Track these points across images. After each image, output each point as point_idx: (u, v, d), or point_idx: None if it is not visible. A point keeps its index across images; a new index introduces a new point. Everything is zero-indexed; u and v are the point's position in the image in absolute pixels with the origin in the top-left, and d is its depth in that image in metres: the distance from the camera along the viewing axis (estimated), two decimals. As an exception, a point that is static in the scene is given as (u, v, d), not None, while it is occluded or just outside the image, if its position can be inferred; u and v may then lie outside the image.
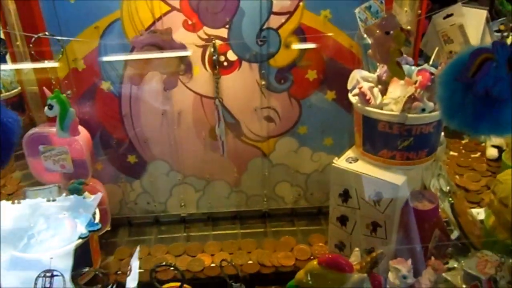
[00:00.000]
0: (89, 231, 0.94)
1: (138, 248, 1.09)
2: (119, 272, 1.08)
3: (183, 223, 1.26)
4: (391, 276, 0.91)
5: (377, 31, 0.85)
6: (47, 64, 1.02)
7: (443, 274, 0.87)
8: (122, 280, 1.04)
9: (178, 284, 0.73)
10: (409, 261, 0.90)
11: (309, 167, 1.22)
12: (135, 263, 0.88)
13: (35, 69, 1.06)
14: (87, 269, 0.75)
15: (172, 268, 1.00)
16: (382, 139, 0.93)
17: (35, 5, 1.00)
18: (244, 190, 1.24)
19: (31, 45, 1.00)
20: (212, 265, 1.10)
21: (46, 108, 0.94)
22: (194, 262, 1.10)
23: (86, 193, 1.00)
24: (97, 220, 0.98)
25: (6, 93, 1.42)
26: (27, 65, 1.13)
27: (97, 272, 0.64)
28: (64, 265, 0.86)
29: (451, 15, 1.10)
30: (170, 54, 0.93)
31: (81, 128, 1.06)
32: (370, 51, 0.91)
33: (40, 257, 0.85)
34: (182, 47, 0.93)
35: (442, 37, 1.16)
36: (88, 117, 1.11)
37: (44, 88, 0.97)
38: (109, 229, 1.17)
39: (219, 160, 1.18)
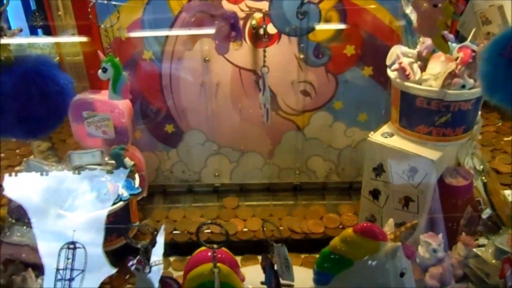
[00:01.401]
0: (130, 195, 0.99)
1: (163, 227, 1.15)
2: (155, 232, 1.13)
3: (216, 193, 1.30)
4: (421, 249, 0.93)
5: (425, 4, 0.84)
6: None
7: (474, 249, 0.88)
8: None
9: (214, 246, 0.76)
10: (440, 236, 0.92)
11: (342, 142, 1.23)
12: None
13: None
14: (136, 223, 0.79)
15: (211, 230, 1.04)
16: (419, 114, 0.93)
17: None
18: (277, 162, 1.26)
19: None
20: (245, 229, 1.15)
21: (100, 71, 0.97)
22: (227, 226, 1.15)
23: (127, 159, 1.04)
24: (136, 184, 1.02)
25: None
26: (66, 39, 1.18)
27: (144, 226, 0.67)
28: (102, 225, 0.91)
29: (490, -5, 1.08)
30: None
31: (123, 98, 1.10)
32: (414, 25, 0.91)
33: (86, 216, 0.91)
34: (234, 15, 0.94)
35: (480, 17, 1.14)
36: (130, 85, 1.15)
37: (99, 51, 1.00)
38: (145, 195, 1.21)
39: (254, 132, 1.21)
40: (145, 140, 1.22)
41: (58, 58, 1.33)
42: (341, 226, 1.15)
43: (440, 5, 0.82)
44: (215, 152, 1.25)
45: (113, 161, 1.03)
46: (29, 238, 0.89)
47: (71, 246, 0.79)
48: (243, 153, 1.25)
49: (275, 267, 0.71)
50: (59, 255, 0.78)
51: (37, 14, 1.54)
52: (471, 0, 1.11)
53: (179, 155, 1.25)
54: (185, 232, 1.15)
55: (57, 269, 0.79)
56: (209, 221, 0.70)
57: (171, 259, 1.09)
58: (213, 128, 1.21)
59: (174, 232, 1.14)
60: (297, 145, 1.23)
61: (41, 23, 1.47)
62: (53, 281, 0.84)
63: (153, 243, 0.71)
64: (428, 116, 0.92)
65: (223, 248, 0.84)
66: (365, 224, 0.74)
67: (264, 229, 0.75)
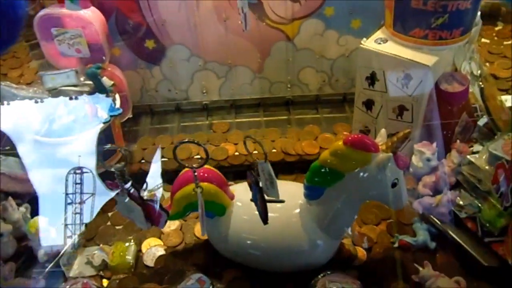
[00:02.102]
0: (111, 116, 0.95)
1: (159, 149, 1.12)
2: (142, 161, 1.11)
3: (206, 110, 1.26)
4: (414, 159, 0.91)
5: None
6: None
7: (467, 156, 0.86)
8: (145, 169, 1.09)
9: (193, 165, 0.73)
10: (434, 144, 0.89)
11: (335, 52, 1.16)
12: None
13: None
14: (109, 145, 0.76)
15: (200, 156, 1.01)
16: (415, 16, 0.86)
17: None
18: (267, 76, 1.21)
19: None
20: (236, 153, 1.11)
21: None
22: (218, 151, 1.12)
23: (105, 78, 0.99)
24: (117, 105, 0.97)
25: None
26: None
27: (121, 151, 0.64)
28: (88, 149, 0.88)
29: None
30: None
31: (94, 10, 1.01)
32: None
33: (62, 141, 0.87)
34: None
35: None
36: (101, -2, 1.06)
37: None
38: (130, 116, 1.18)
39: (241, 44, 1.13)
40: (125, 58, 1.15)
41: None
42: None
43: None
44: (201, 67, 1.18)
45: (90, 82, 0.97)
46: (6, 166, 0.86)
47: (78, 171, 0.77)
48: (231, 68, 1.19)
49: (260, 184, 0.69)
50: (66, 179, 0.78)
51: None
52: None
53: (163, 72, 1.19)
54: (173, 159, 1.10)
55: (66, 194, 0.78)
56: (186, 140, 0.65)
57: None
58: (197, 42, 1.14)
59: (162, 159, 1.10)
60: (288, 57, 1.17)
61: None
62: (50, 207, 0.85)
63: (127, 166, 0.68)
64: (424, 18, 0.85)
65: (210, 167, 0.81)
66: (355, 136, 0.71)
67: (246, 142, 0.71)
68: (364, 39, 0.93)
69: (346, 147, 0.70)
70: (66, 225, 0.84)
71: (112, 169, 0.67)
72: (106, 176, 0.88)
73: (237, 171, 1.07)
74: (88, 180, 0.85)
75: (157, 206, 0.72)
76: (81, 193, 0.79)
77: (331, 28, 1.12)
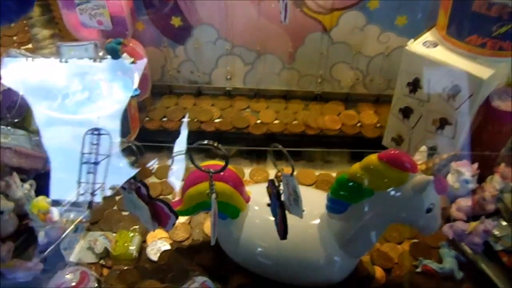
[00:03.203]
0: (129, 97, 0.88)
1: (186, 117, 1.09)
2: (164, 119, 1.12)
3: (228, 97, 1.19)
4: (451, 178, 0.82)
5: None
6: None
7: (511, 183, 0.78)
8: (166, 127, 1.10)
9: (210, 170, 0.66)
10: (475, 165, 0.81)
11: (374, 49, 1.07)
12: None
13: None
14: (119, 139, 0.70)
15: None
16: (474, 21, 0.76)
17: None
18: (297, 67, 1.12)
19: None
20: (258, 121, 1.10)
21: None
22: (239, 120, 1.10)
23: (125, 55, 0.92)
24: (135, 85, 0.91)
25: None
26: None
27: (132, 145, 0.58)
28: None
29: None
30: None
31: (122, -20, 0.94)
32: None
33: (75, 118, 0.82)
34: None
35: None
36: (129, -32, 0.98)
37: None
38: (147, 96, 1.11)
39: (273, 31, 1.05)
40: (149, 33, 1.08)
41: None
42: (359, 124, 1.08)
43: None
44: (227, 51, 1.11)
45: (109, 57, 0.90)
46: (14, 139, 0.81)
47: (96, 132, 0.72)
48: (259, 55, 1.11)
49: (282, 198, 0.62)
50: (83, 139, 0.73)
51: None
52: None
53: (187, 53, 1.12)
54: (195, 120, 1.10)
55: (82, 153, 0.73)
56: (205, 141, 0.58)
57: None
58: (227, 24, 1.06)
59: (183, 120, 1.11)
60: (322, 49, 1.08)
61: None
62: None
63: (138, 162, 0.62)
64: (485, 24, 0.75)
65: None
66: (392, 152, 0.63)
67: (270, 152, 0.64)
68: (412, 40, 0.84)
69: (380, 163, 0.62)
70: (79, 182, 0.78)
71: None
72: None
73: (257, 144, 1.06)
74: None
75: (166, 208, 0.65)
76: (97, 154, 0.74)
77: (373, 22, 1.03)
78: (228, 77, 1.15)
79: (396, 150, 0.63)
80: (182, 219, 0.91)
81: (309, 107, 1.12)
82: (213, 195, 0.64)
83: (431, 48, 0.82)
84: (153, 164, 1.00)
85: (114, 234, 0.88)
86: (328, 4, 1.01)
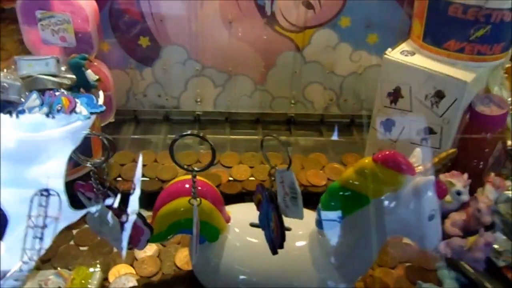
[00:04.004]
0: (91, 113, 0.80)
1: (140, 157, 0.97)
2: (119, 179, 0.95)
3: (197, 122, 1.13)
4: (440, 190, 0.78)
5: None
6: None
7: (505, 192, 0.74)
8: (121, 188, 0.90)
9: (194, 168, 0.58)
10: (466, 176, 0.77)
11: (347, 68, 1.06)
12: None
13: None
14: (88, 131, 0.62)
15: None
16: (451, 26, 0.76)
17: None
18: (269, 89, 1.09)
19: None
20: (230, 179, 0.94)
21: None
22: (209, 177, 0.89)
23: (90, 71, 0.85)
24: (100, 100, 0.83)
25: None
26: None
27: (102, 139, 0.49)
28: (61, 150, 0.73)
29: None
30: None
31: (86, -4, 0.90)
32: None
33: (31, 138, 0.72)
34: None
35: None
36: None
37: None
38: (112, 121, 1.04)
39: (245, 51, 1.02)
40: (114, 54, 1.03)
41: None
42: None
43: None
44: (197, 73, 1.06)
45: (72, 76, 0.83)
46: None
47: (45, 193, 0.63)
48: (230, 76, 1.07)
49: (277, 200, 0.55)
50: (31, 201, 0.66)
51: None
52: None
53: (155, 75, 1.06)
54: (156, 179, 0.94)
55: (29, 216, 0.64)
56: (189, 132, 0.51)
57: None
58: (197, 44, 1.02)
59: (142, 179, 0.93)
60: (295, 69, 1.06)
61: None
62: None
63: (107, 161, 0.53)
64: (461, 29, 0.75)
65: (205, 180, 0.67)
66: (387, 152, 0.58)
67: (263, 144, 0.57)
68: (389, 49, 0.83)
69: (376, 165, 0.57)
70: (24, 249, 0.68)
71: (88, 164, 0.52)
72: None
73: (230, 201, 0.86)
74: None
75: (139, 220, 0.56)
76: (45, 216, 0.65)
77: (345, 40, 1.02)
78: (198, 100, 1.09)
79: (391, 150, 0.58)
80: (150, 251, 0.81)
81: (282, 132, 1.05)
82: (195, 202, 0.56)
83: (410, 56, 0.81)
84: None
85: (70, 272, 0.76)
86: (300, 22, 0.99)
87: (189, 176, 0.62)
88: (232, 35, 1.01)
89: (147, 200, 0.72)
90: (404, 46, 0.85)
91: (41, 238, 0.69)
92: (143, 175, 0.94)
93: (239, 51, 1.02)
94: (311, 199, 0.63)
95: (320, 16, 0.99)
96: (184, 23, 0.99)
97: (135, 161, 0.99)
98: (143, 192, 0.81)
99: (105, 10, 0.97)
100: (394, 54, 0.82)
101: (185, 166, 0.56)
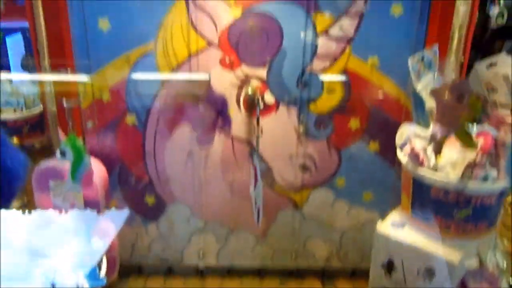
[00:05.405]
0: (91, 288, 0.82)
1: None
2: None
3: (200, 275, 1.15)
4: None
5: (447, 95, 0.75)
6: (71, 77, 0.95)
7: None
8: None
9: None
10: None
11: (345, 223, 1.10)
12: None
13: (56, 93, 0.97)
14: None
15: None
16: (435, 206, 0.80)
17: (65, 32, 0.94)
18: (270, 243, 1.12)
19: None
20: None
21: (57, 153, 0.86)
22: None
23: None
24: (103, 272, 0.86)
25: (27, 112, 1.40)
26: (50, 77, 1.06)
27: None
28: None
29: (495, 64, 0.99)
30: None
31: (98, 165, 0.98)
32: (429, 108, 0.80)
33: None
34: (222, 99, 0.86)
35: (485, 86, 1.06)
36: (108, 151, 1.03)
37: (59, 128, 0.89)
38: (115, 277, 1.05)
39: (246, 208, 1.07)
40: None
41: (41, 106, 1.33)
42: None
43: (465, 99, 0.73)
44: (200, 229, 1.11)
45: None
46: None
47: None
48: (232, 231, 1.11)
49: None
50: None
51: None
52: (475, 67, 1.03)
53: (160, 230, 1.11)
54: None
55: None
56: None
57: None
58: (200, 202, 1.08)
59: None
60: (294, 225, 1.10)
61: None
62: None
63: None
64: (445, 209, 0.79)
65: None
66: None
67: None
68: (380, 220, 0.87)
69: None
70: None
71: None
72: None
73: None
74: None
75: None
76: None
77: (341, 198, 1.08)
78: (201, 254, 1.13)
79: None
80: None
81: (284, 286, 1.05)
82: None
83: (400, 229, 0.84)
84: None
85: None
86: (298, 182, 1.06)
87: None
88: (233, 193, 1.07)
89: None
90: (395, 216, 0.89)
91: None
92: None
93: (240, 208, 1.08)
94: None
95: (317, 177, 1.06)
96: (188, 183, 1.06)
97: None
98: None
99: (115, 171, 1.05)
100: (386, 226, 0.86)
101: None
